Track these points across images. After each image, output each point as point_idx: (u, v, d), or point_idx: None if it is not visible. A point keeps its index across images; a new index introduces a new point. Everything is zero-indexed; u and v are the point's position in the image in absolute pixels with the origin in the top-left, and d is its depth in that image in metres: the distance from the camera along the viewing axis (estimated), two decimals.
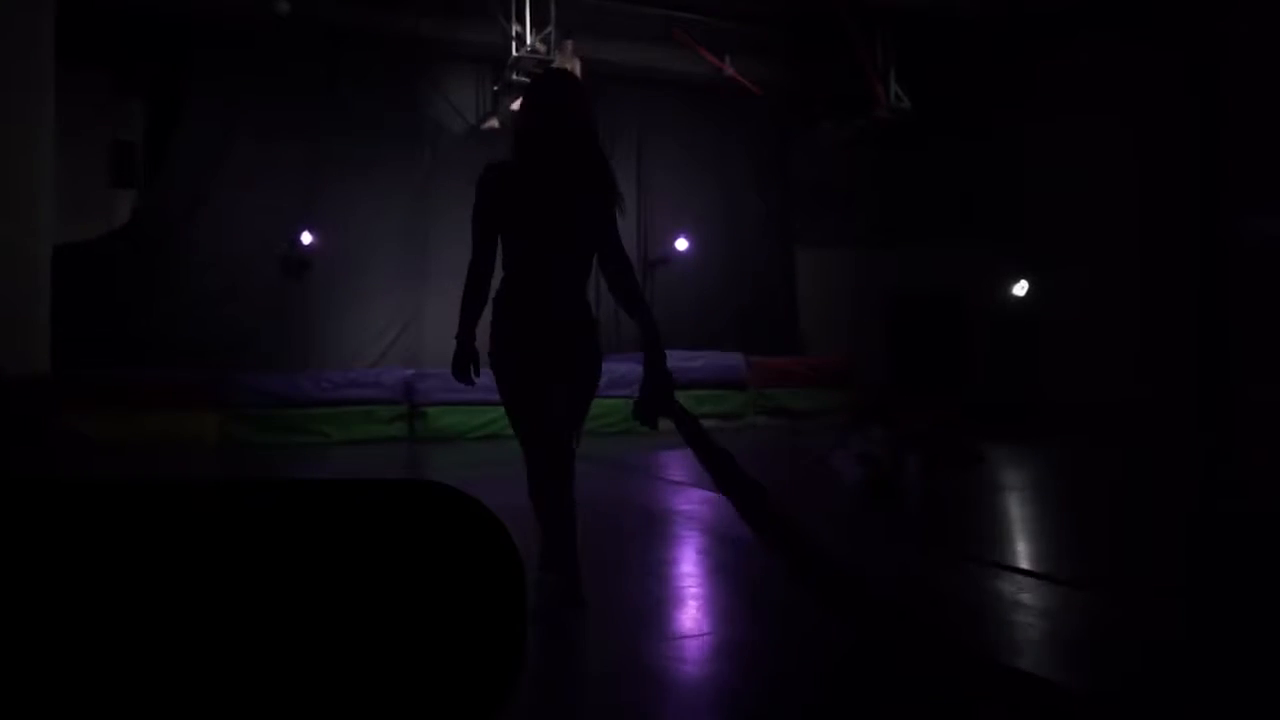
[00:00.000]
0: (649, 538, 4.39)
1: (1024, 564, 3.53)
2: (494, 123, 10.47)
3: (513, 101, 10.22)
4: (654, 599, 3.17)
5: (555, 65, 9.97)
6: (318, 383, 8.83)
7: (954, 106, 11.68)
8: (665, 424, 2.80)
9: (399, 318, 10.99)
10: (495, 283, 2.77)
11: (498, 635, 0.92)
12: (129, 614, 0.86)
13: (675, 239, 12.17)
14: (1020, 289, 10.50)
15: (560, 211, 2.60)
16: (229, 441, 8.40)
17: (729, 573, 3.61)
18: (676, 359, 10.03)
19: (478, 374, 2.74)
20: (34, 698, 0.84)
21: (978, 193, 11.77)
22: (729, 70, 11.78)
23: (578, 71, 10.20)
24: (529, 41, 9.94)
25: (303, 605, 0.89)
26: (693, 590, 3.33)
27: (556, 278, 2.64)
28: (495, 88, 10.63)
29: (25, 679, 0.84)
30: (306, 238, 10.32)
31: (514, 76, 10.15)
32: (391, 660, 0.89)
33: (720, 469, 2.68)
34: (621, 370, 7.59)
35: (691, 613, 3.02)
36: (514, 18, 9.99)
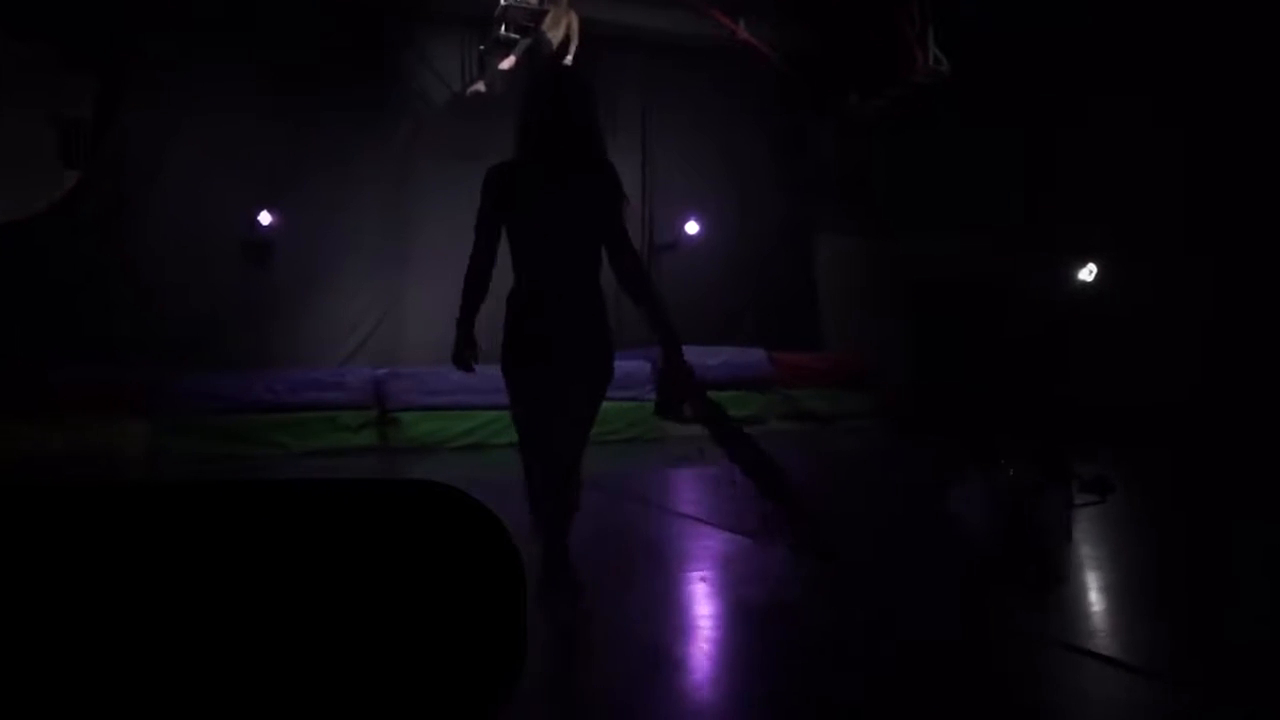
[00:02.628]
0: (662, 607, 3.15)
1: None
2: (480, 86, 9.21)
3: (500, 60, 8.98)
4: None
5: (550, 20, 8.74)
6: (270, 384, 7.53)
7: (990, 75, 10.45)
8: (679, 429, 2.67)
9: (375, 309, 9.78)
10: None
11: (498, 636, 0.88)
12: (123, 618, 0.82)
13: (683, 222, 10.96)
14: (1088, 274, 9.22)
15: (564, 209, 2.58)
16: (161, 455, 7.11)
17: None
18: (693, 356, 8.82)
19: (476, 360, 2.69)
20: (30, 702, 0.80)
21: (1011, 175, 10.58)
22: (743, 34, 10.52)
23: (575, 29, 8.98)
24: None
25: (299, 606, 0.85)
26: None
27: (564, 276, 2.61)
28: (481, 46, 9.36)
29: (19, 686, 0.80)
30: (266, 218, 9.07)
31: (502, 31, 8.92)
32: (389, 661, 0.85)
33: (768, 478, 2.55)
34: (627, 369, 6.39)
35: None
36: None
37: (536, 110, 2.63)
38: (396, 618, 0.86)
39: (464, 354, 2.67)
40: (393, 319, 9.76)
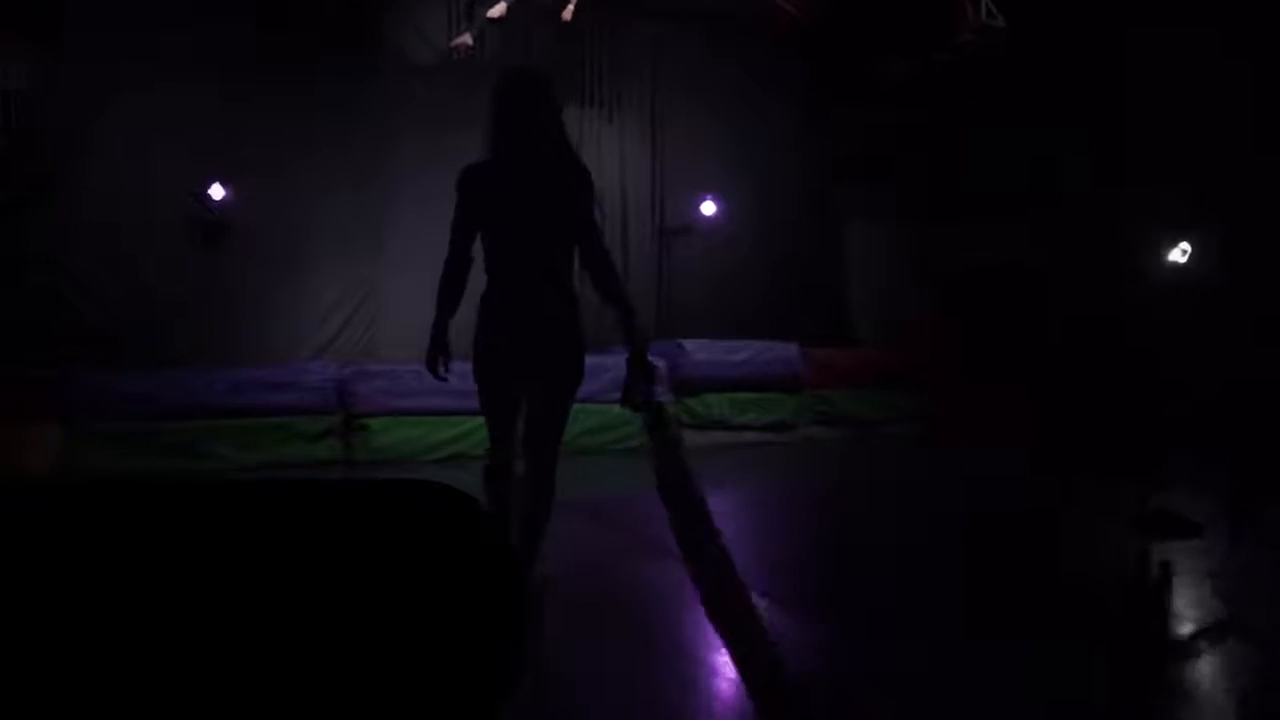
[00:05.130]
0: None
1: None
2: (467, 38, 8.00)
3: (489, 9, 7.73)
4: None
5: None
6: (209, 384, 6.26)
7: (1043, 32, 9.25)
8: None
9: (347, 300, 8.55)
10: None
11: (497, 636, 0.88)
12: (122, 616, 0.82)
13: (697, 204, 9.73)
14: (1180, 254, 7.97)
15: (536, 208, 2.61)
16: (75, 469, 5.82)
17: None
18: (716, 351, 7.62)
19: (448, 368, 2.67)
20: (29, 701, 0.81)
21: (1066, 148, 9.38)
22: None
23: None
24: None
25: (297, 606, 0.85)
26: None
27: (537, 277, 2.63)
28: None
29: (19, 683, 0.81)
30: (218, 192, 7.83)
31: None
32: (388, 661, 0.85)
33: (679, 508, 2.24)
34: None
35: None
36: None
37: (500, 111, 2.66)
38: (395, 617, 0.85)
39: (437, 360, 2.66)
40: (367, 311, 8.57)
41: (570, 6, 7.89)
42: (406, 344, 8.46)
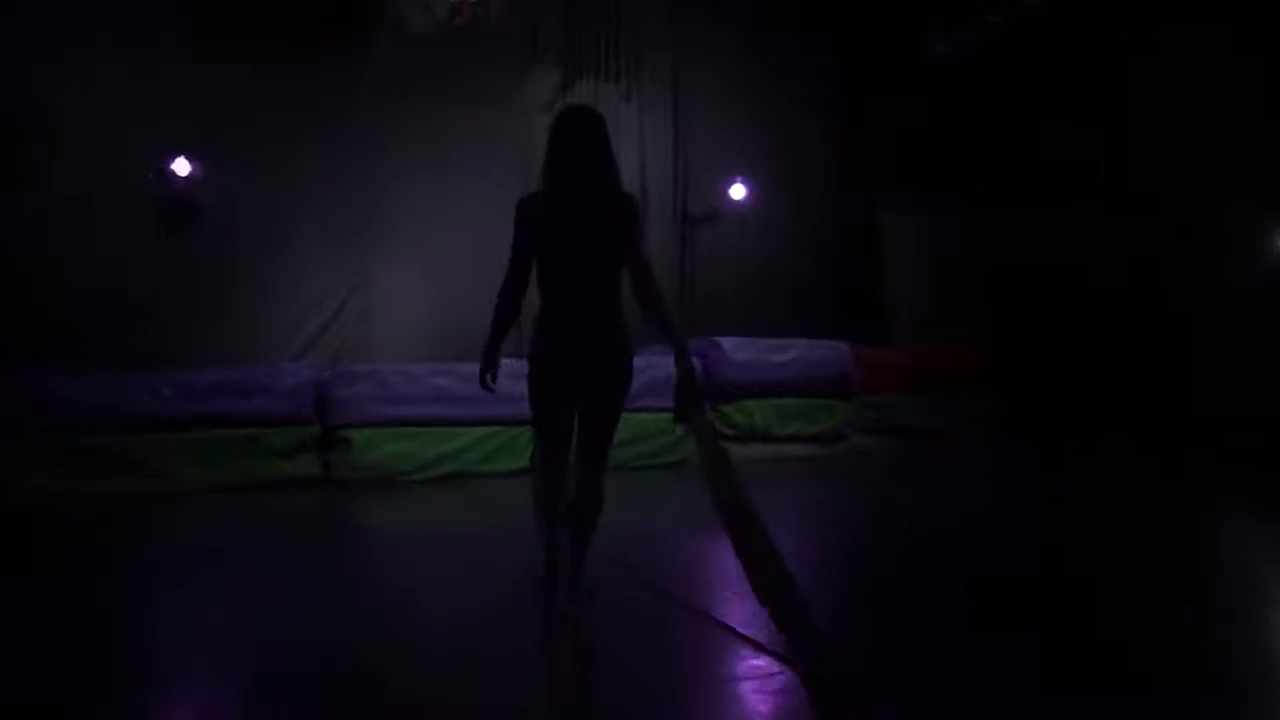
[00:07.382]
0: None
1: None
2: None
3: None
4: None
5: None
6: (158, 388, 5.25)
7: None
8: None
9: (335, 292, 7.66)
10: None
11: None
12: None
13: (722, 189, 8.80)
14: None
15: (587, 241, 2.77)
16: None
17: None
18: (757, 350, 6.49)
19: (495, 380, 2.86)
20: None
21: (1125, 133, 8.50)
22: None
23: None
24: None
25: None
26: None
27: (588, 297, 2.79)
28: None
29: None
30: (184, 168, 6.89)
31: None
32: None
33: (741, 531, 2.39)
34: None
35: None
36: None
37: (554, 147, 2.81)
38: None
39: (486, 375, 2.83)
40: (356, 306, 7.62)
41: None
42: (400, 345, 7.55)
